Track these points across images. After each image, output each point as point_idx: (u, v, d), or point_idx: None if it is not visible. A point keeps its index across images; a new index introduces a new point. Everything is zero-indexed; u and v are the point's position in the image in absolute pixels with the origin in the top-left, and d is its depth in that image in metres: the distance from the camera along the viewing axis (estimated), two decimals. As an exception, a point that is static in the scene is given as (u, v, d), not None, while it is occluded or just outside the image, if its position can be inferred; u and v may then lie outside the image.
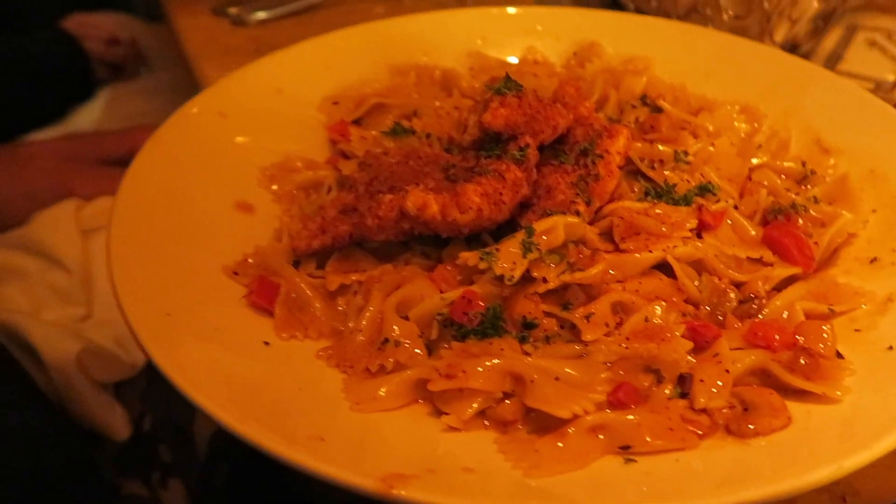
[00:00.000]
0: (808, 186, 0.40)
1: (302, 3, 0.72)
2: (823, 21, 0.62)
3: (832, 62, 0.62)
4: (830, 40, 0.65)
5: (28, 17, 0.98)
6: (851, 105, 0.44)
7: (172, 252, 0.36)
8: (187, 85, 0.81)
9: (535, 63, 0.52)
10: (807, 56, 0.62)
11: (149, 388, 0.56)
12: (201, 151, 0.41)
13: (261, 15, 0.70)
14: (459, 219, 0.33)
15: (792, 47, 0.62)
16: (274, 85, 0.47)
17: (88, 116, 0.93)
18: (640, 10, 0.67)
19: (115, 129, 0.72)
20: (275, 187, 0.42)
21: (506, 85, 0.38)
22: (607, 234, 0.36)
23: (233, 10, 0.71)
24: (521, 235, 0.33)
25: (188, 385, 0.28)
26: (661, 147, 0.41)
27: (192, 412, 0.53)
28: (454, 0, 0.70)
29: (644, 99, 0.46)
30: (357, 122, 0.48)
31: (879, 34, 0.66)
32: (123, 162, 0.66)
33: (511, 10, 0.55)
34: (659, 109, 0.44)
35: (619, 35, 0.53)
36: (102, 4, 1.08)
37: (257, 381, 0.31)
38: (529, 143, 0.36)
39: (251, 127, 0.45)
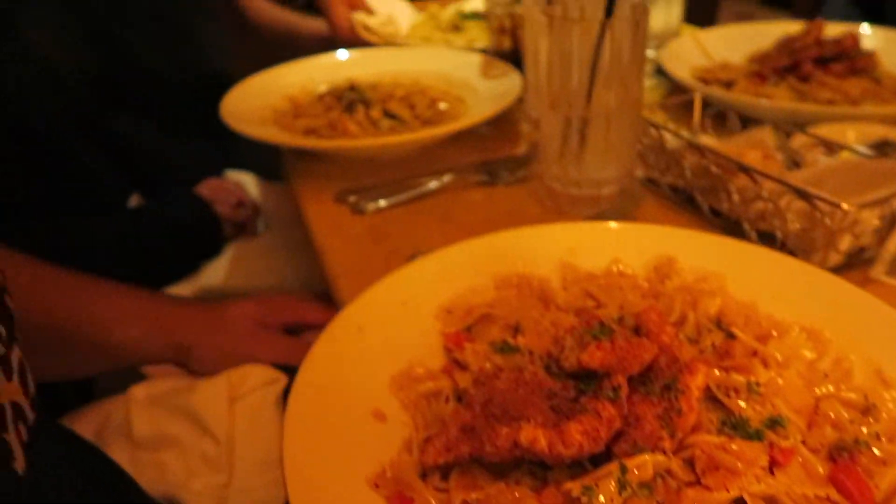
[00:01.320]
0: (871, 419, 0.46)
1: (411, 194, 0.83)
2: (889, 225, 0.68)
3: (896, 266, 0.68)
4: (894, 243, 0.71)
5: (169, 183, 1.14)
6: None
7: (325, 458, 0.44)
8: (303, 247, 0.93)
9: (621, 275, 0.60)
10: (870, 262, 0.68)
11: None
12: (346, 364, 0.50)
13: (380, 203, 0.82)
14: (564, 452, 0.40)
15: (859, 251, 0.68)
16: (400, 298, 0.57)
17: (215, 273, 1.06)
18: (713, 211, 0.75)
19: (299, 297, 0.81)
20: (402, 395, 0.50)
21: (601, 331, 0.46)
22: (689, 461, 0.43)
23: (352, 199, 0.83)
24: (615, 471, 0.40)
25: None
26: (735, 376, 0.47)
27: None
28: (547, 198, 0.80)
29: (719, 323, 0.53)
30: (468, 329, 0.56)
31: (942, 237, 0.71)
32: (297, 330, 0.76)
33: (598, 224, 0.64)
34: (732, 335, 0.51)
35: (696, 252, 0.60)
36: (230, 163, 1.23)
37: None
38: (621, 384, 0.43)
39: (382, 337, 0.53)
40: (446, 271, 0.60)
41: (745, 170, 0.68)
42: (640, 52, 0.73)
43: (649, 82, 1.14)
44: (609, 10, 0.68)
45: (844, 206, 0.60)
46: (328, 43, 1.42)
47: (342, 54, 1.15)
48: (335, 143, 0.89)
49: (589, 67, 0.71)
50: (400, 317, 0.55)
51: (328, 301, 0.77)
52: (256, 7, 1.61)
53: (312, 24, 1.53)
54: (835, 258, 0.65)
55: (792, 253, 0.67)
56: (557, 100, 0.75)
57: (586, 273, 0.61)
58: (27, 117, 0.86)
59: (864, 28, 1.08)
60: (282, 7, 1.62)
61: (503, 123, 1.01)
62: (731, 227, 0.73)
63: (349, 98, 1.00)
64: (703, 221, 0.76)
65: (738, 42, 1.12)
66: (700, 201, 0.76)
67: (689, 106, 0.89)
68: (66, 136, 0.95)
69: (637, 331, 0.51)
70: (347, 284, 0.69)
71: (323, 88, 1.08)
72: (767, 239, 0.69)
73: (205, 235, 1.05)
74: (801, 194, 0.64)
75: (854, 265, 0.67)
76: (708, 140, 0.85)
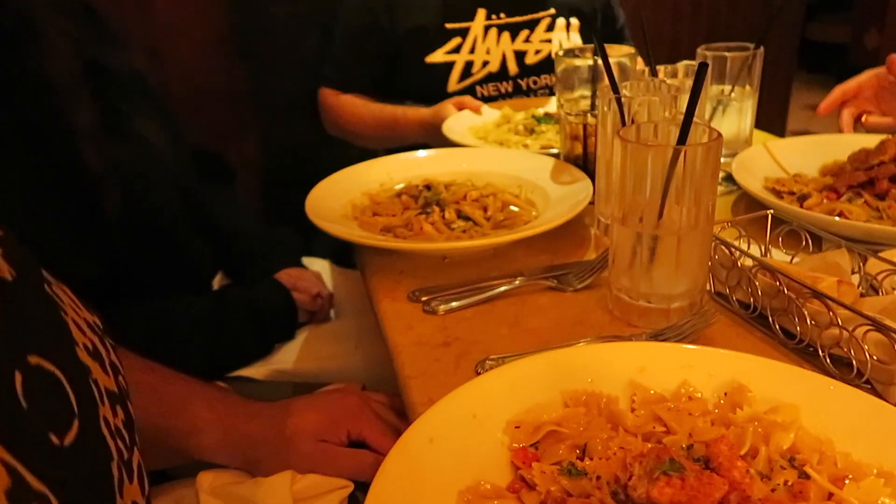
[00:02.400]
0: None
1: (482, 296, 0.86)
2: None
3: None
4: (979, 378, 0.68)
5: (252, 266, 1.21)
6: None
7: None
8: (371, 333, 0.96)
9: (690, 399, 0.60)
10: (954, 396, 0.66)
11: None
12: (417, 476, 0.52)
13: (451, 305, 0.85)
14: (632, 592, 0.41)
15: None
16: (470, 410, 0.58)
17: (287, 356, 1.10)
18: (784, 331, 0.74)
19: (364, 401, 0.83)
20: (469, 512, 0.51)
21: (671, 466, 0.46)
22: None
23: (424, 299, 0.87)
24: None
25: None
26: (809, 521, 0.46)
27: None
28: (616, 308, 0.82)
29: (792, 460, 0.52)
30: (535, 446, 0.57)
31: None
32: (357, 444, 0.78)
33: (669, 345, 0.65)
34: (806, 475, 0.50)
35: (769, 381, 0.60)
36: (310, 249, 1.30)
37: None
38: (692, 525, 0.43)
39: (451, 450, 0.55)
40: (516, 385, 0.61)
41: (819, 296, 0.68)
42: (714, 173, 0.75)
43: (721, 188, 1.15)
44: (683, 139, 0.71)
45: (924, 342, 0.59)
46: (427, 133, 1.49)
47: (421, 152, 1.21)
48: (410, 244, 0.93)
49: (661, 188, 0.73)
50: (469, 430, 0.57)
51: (395, 393, 0.79)
52: (348, 104, 1.70)
53: (419, 112, 1.57)
54: (914, 392, 0.64)
55: (869, 382, 0.66)
56: (628, 215, 0.77)
57: (655, 395, 0.61)
58: (143, 201, 0.94)
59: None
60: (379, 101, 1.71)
61: (573, 227, 1.04)
62: (804, 350, 0.72)
63: (425, 198, 1.05)
64: (774, 342, 0.75)
65: (811, 153, 1.13)
66: (772, 322, 0.75)
67: (762, 219, 0.89)
68: (172, 217, 1.02)
69: (707, 462, 0.51)
70: (419, 386, 0.71)
71: (401, 186, 1.14)
72: (843, 366, 0.68)
73: (283, 322, 1.10)
74: (877, 326, 0.63)
75: (936, 400, 0.65)
76: (780, 258, 0.86)
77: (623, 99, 0.94)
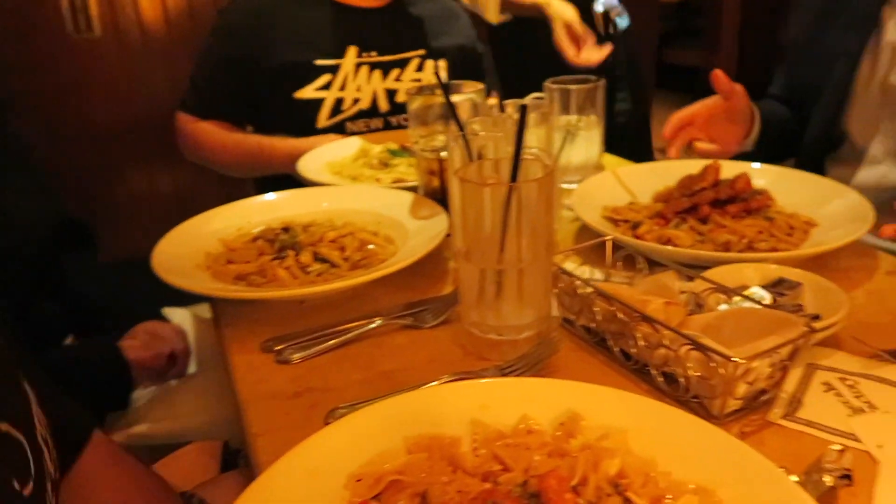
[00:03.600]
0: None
1: (337, 341, 0.85)
2: (781, 370, 0.72)
3: (793, 407, 0.71)
4: (790, 383, 0.75)
5: (107, 324, 1.14)
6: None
7: None
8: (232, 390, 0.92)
9: (529, 433, 0.62)
10: (771, 401, 0.71)
11: None
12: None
13: (304, 353, 0.83)
14: None
15: (760, 392, 0.71)
16: (310, 467, 0.57)
17: (143, 417, 1.04)
18: (623, 353, 0.78)
19: None
20: (305, 577, 0.50)
21: (494, 510, 0.47)
22: None
23: (277, 348, 0.85)
24: None
25: None
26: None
27: None
28: (468, 343, 0.83)
29: (617, 486, 0.54)
30: (377, 497, 0.57)
31: (834, 375, 0.76)
32: None
33: (507, 380, 0.67)
34: (629, 501, 0.53)
35: (600, 407, 0.62)
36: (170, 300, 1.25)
37: None
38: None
39: (289, 511, 0.54)
40: (358, 435, 0.61)
41: (647, 319, 0.72)
42: (548, 206, 0.78)
43: (571, 214, 1.20)
44: (514, 176, 0.73)
45: (735, 358, 0.64)
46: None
47: (272, 195, 1.19)
48: (261, 292, 0.91)
49: (500, 224, 0.76)
50: (310, 489, 0.56)
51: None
52: (204, 132, 1.64)
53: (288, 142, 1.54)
54: (733, 403, 0.68)
55: (696, 398, 0.71)
56: (471, 251, 0.79)
57: (496, 432, 0.62)
58: None
59: (755, 165, 1.17)
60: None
61: (433, 261, 1.05)
62: (640, 370, 0.76)
63: (281, 241, 1.03)
64: (616, 364, 0.79)
65: (647, 179, 1.20)
66: (611, 345, 0.79)
67: (604, 245, 0.94)
68: (19, 284, 0.96)
69: (538, 497, 0.53)
70: (265, 444, 0.69)
71: (259, 230, 1.11)
72: (675, 383, 0.72)
73: (111, 382, 1.04)
74: (696, 345, 0.67)
75: (756, 407, 0.71)
76: (620, 281, 0.90)
77: (471, 135, 0.96)
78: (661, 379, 0.73)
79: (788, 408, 0.71)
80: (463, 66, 1.70)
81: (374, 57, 1.65)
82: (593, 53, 1.75)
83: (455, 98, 1.08)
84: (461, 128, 0.95)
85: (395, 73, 1.68)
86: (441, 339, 0.87)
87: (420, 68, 1.71)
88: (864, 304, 0.90)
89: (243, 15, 1.63)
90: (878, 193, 1.23)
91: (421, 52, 1.71)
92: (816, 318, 0.78)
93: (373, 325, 0.88)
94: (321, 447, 0.59)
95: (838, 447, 0.60)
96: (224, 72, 1.62)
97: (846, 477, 0.59)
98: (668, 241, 1.00)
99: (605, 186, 1.19)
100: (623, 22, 2.03)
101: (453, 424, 0.63)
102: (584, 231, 1.14)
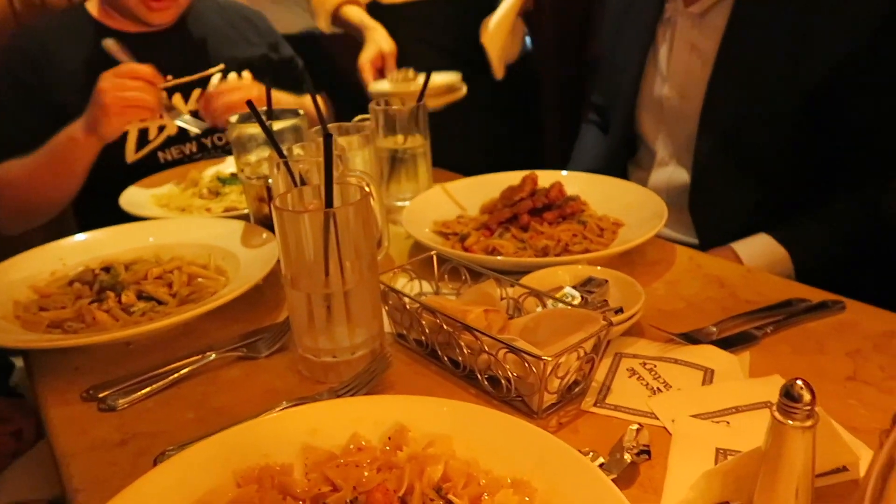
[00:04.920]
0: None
1: (167, 381, 0.82)
2: (588, 363, 0.79)
3: (603, 395, 0.79)
4: (601, 373, 0.82)
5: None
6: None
7: None
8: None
9: (359, 450, 0.64)
10: (584, 391, 0.78)
11: None
12: None
13: (131, 397, 0.80)
14: None
15: (574, 384, 0.78)
16: (133, 516, 0.55)
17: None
18: (452, 362, 0.82)
19: None
20: None
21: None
22: None
23: (100, 395, 0.80)
24: None
25: None
26: (450, 545, 0.51)
27: None
28: (304, 369, 0.83)
29: (440, 490, 0.58)
30: (206, 537, 0.56)
31: (636, 361, 0.84)
32: None
33: (335, 401, 0.68)
34: (451, 502, 0.56)
35: (427, 417, 0.65)
36: None
37: None
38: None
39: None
40: (185, 476, 0.59)
41: (468, 328, 0.77)
42: (367, 228, 0.80)
43: (403, 230, 1.23)
44: (329, 202, 0.75)
45: (544, 357, 0.70)
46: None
47: (87, 234, 1.13)
48: (78, 338, 0.86)
49: (322, 249, 0.77)
50: (132, 539, 0.54)
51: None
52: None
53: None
54: (550, 398, 0.74)
55: (519, 396, 0.76)
56: (297, 278, 0.79)
57: (327, 453, 0.63)
58: None
59: (564, 173, 1.27)
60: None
61: (266, 289, 1.04)
62: (469, 376, 0.81)
63: (101, 282, 0.98)
64: (447, 372, 0.83)
65: (475, 192, 1.26)
66: (441, 355, 0.83)
67: (431, 259, 0.98)
68: None
69: (366, 513, 0.55)
70: (86, 499, 0.66)
71: (77, 272, 1.05)
72: (497, 386, 0.77)
73: None
74: (510, 348, 0.73)
75: (571, 399, 0.77)
76: (447, 293, 0.95)
77: (293, 162, 0.97)
78: (486, 383, 0.78)
79: (598, 395, 0.78)
80: (275, 74, 1.65)
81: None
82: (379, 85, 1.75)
83: (276, 125, 1.08)
84: (281, 154, 0.96)
85: (197, 93, 1.63)
86: (277, 368, 0.87)
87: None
88: (664, 294, 1.01)
89: (31, 43, 1.51)
90: (668, 192, 1.38)
91: (220, 67, 1.67)
92: (620, 311, 0.86)
93: (205, 361, 0.86)
94: (147, 491, 0.57)
95: (636, 426, 0.67)
96: (14, 101, 1.47)
97: (645, 452, 0.65)
98: (493, 251, 1.06)
99: (436, 201, 1.24)
100: None
101: (284, 452, 0.63)
102: (418, 246, 1.18)
